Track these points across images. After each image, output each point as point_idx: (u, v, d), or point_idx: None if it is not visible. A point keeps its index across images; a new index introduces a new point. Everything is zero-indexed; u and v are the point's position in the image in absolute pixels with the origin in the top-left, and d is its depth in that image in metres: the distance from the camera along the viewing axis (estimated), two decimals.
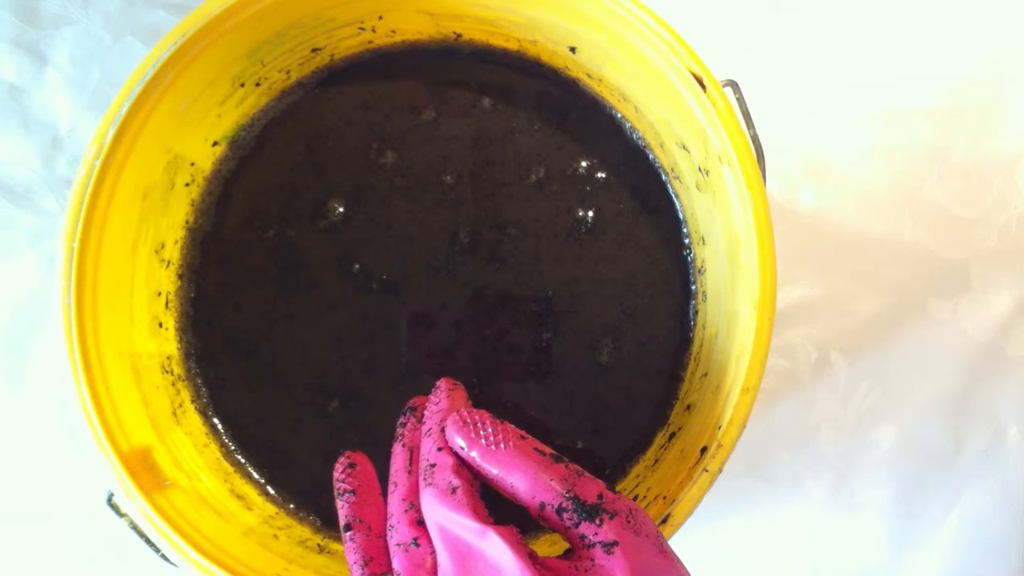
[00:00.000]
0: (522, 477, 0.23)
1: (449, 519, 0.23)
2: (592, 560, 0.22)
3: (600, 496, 0.23)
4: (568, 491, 0.23)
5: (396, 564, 0.24)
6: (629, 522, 0.23)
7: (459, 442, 0.24)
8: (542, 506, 0.23)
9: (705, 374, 0.34)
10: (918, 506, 0.45)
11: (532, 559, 0.22)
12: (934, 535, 0.45)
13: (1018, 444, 0.45)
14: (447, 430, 0.25)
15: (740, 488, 0.45)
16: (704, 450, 0.30)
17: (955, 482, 0.45)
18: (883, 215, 0.46)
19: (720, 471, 0.29)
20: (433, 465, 0.25)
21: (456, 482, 0.24)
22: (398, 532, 0.25)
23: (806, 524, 0.45)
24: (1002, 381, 0.46)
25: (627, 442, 0.36)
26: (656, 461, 0.34)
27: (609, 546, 0.22)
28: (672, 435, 0.34)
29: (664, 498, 0.30)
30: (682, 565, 0.23)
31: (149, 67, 0.31)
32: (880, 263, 0.46)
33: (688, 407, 0.34)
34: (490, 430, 0.24)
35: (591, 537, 0.22)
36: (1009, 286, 0.46)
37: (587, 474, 0.24)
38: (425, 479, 0.25)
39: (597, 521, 0.22)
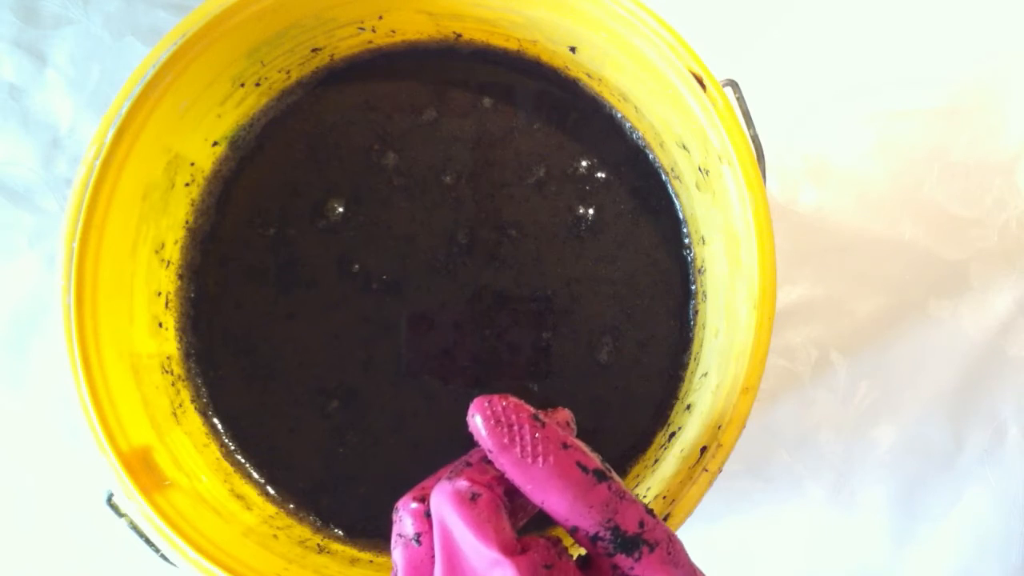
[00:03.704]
0: (558, 500, 0.20)
1: (461, 533, 0.20)
2: None
3: (641, 524, 0.20)
4: (608, 520, 0.20)
5: (395, 555, 0.22)
6: (669, 554, 0.20)
7: (486, 441, 0.20)
8: (575, 530, 0.20)
9: (705, 374, 0.34)
10: (918, 506, 0.45)
11: None
12: (934, 535, 0.45)
13: (1018, 444, 0.45)
14: (472, 420, 0.20)
15: (740, 488, 0.45)
16: (704, 450, 0.30)
17: (955, 482, 0.45)
18: (883, 215, 0.46)
19: (720, 471, 0.29)
20: (469, 464, 0.21)
21: (480, 491, 0.20)
22: (402, 520, 0.22)
23: (806, 524, 0.45)
24: (1002, 381, 0.46)
25: (627, 442, 0.36)
26: (656, 461, 0.34)
27: None
28: (672, 435, 0.34)
29: (664, 498, 0.30)
30: None
31: (149, 67, 0.31)
32: (880, 263, 0.46)
33: (688, 407, 0.34)
34: (528, 436, 0.20)
35: (625, 569, 0.20)
36: (1009, 286, 0.46)
37: (628, 494, 0.21)
38: (451, 472, 0.21)
39: (635, 555, 0.20)
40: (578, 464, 0.20)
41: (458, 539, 0.20)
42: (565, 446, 0.20)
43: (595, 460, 0.21)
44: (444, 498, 0.20)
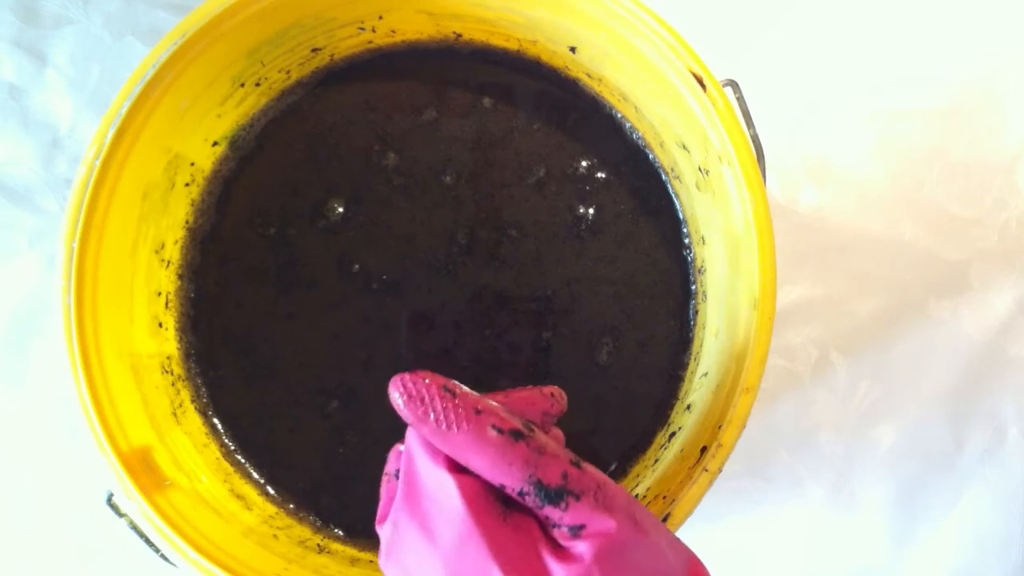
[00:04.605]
0: (478, 462, 0.21)
1: (418, 455, 0.22)
2: (557, 542, 0.21)
3: (564, 476, 0.21)
4: (530, 476, 0.21)
5: (381, 491, 0.24)
6: (597, 499, 0.21)
7: (406, 416, 0.22)
8: (502, 487, 0.21)
9: (705, 374, 0.34)
10: (918, 506, 0.45)
11: (495, 516, 0.21)
12: (934, 535, 0.45)
13: (1018, 444, 0.45)
14: (391, 397, 0.22)
15: (740, 488, 0.45)
16: (704, 450, 0.30)
17: (955, 482, 0.45)
18: (883, 215, 0.46)
19: (720, 471, 0.29)
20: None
21: None
22: (389, 461, 0.25)
23: (806, 524, 0.45)
24: (1002, 381, 0.46)
25: (627, 442, 0.36)
26: (656, 461, 0.34)
27: (575, 529, 0.21)
28: (672, 435, 0.34)
29: (664, 498, 0.30)
30: (659, 532, 0.22)
31: (149, 67, 0.31)
32: (880, 263, 0.46)
33: (688, 407, 0.34)
34: (440, 407, 0.21)
35: (556, 520, 0.21)
36: (1009, 286, 0.46)
37: (549, 449, 0.22)
38: None
39: (562, 505, 0.21)
40: (492, 427, 0.21)
41: (416, 461, 0.22)
42: (478, 411, 0.22)
43: (512, 422, 0.22)
44: (410, 428, 0.23)
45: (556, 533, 0.21)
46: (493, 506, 0.21)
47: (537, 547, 0.21)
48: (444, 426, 0.21)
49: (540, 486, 0.21)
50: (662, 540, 0.22)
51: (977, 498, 0.45)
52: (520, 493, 0.21)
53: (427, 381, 0.22)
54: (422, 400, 0.22)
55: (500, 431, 0.21)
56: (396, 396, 0.22)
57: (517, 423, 0.22)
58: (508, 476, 0.21)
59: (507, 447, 0.21)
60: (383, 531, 0.23)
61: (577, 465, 0.22)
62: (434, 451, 0.22)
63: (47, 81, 0.46)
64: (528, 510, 0.22)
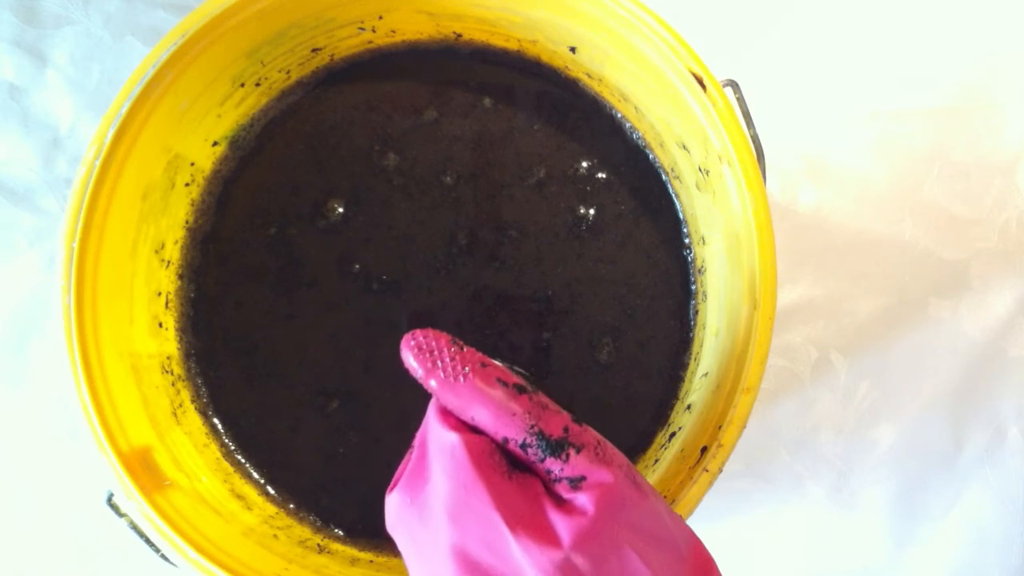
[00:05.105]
0: (483, 412, 0.22)
1: (431, 422, 0.23)
2: (559, 495, 0.22)
3: (566, 429, 0.22)
4: (532, 427, 0.22)
5: (401, 463, 0.25)
6: (597, 454, 0.22)
7: (415, 369, 0.23)
8: (505, 441, 0.22)
9: (705, 374, 0.34)
10: (918, 506, 0.45)
11: (500, 473, 0.22)
12: (934, 535, 0.45)
13: (1018, 444, 0.45)
14: (403, 354, 0.23)
15: (740, 488, 0.45)
16: (704, 450, 0.30)
17: (955, 482, 0.45)
18: (883, 215, 0.46)
19: (720, 471, 0.29)
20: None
21: None
22: (416, 438, 0.26)
23: (806, 524, 0.45)
24: (1002, 381, 0.46)
25: (627, 442, 0.36)
26: (656, 461, 0.34)
27: (576, 481, 0.21)
28: (672, 435, 0.34)
29: (664, 498, 0.30)
30: (656, 498, 0.23)
31: (149, 67, 0.31)
32: (880, 263, 0.46)
33: (688, 407, 0.34)
34: (448, 358, 0.22)
35: (557, 472, 0.22)
36: (1009, 286, 0.46)
37: (552, 405, 0.23)
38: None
39: (563, 456, 0.22)
40: (498, 379, 0.22)
41: (430, 428, 0.23)
42: (483, 365, 0.23)
43: (516, 378, 0.23)
44: (430, 405, 0.23)
45: (558, 487, 0.22)
46: (498, 464, 0.22)
47: (540, 501, 0.22)
48: (451, 376, 0.22)
49: (542, 437, 0.22)
50: (661, 507, 0.23)
51: (977, 498, 0.45)
52: (523, 445, 0.22)
53: (435, 335, 0.23)
54: (431, 352, 0.22)
55: (505, 384, 0.22)
56: (407, 351, 0.23)
57: (522, 380, 0.23)
58: (511, 427, 0.22)
59: (511, 397, 0.22)
60: (391, 498, 0.24)
61: (578, 423, 0.23)
62: (445, 416, 0.23)
63: (47, 81, 0.46)
64: (532, 471, 0.22)
